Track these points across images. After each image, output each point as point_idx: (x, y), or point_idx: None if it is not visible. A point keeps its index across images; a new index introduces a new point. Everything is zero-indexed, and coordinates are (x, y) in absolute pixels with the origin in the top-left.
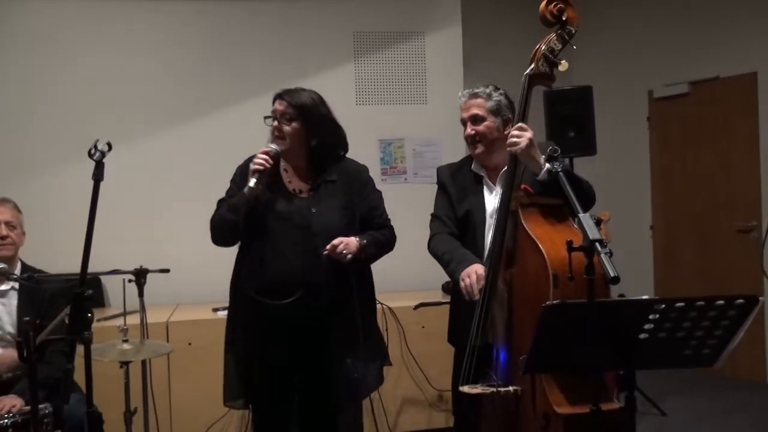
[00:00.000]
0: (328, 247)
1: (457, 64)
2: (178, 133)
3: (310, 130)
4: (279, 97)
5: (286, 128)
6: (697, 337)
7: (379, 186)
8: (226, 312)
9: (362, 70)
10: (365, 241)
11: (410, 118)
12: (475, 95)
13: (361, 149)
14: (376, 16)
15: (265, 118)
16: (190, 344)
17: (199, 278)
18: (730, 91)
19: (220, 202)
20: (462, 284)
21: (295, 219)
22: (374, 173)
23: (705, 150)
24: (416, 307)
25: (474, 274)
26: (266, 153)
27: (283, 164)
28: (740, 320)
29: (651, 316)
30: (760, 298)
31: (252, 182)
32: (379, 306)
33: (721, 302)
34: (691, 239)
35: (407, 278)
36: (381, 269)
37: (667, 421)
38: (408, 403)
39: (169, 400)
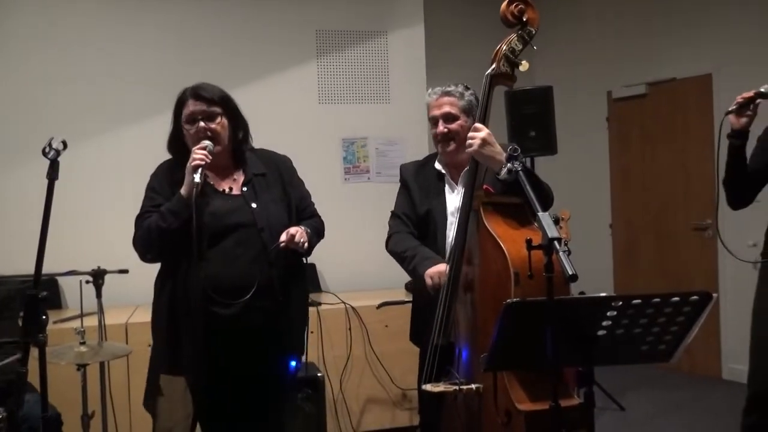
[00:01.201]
0: (284, 238)
1: (420, 64)
2: (138, 132)
3: (235, 124)
4: (194, 96)
5: (215, 126)
6: (653, 333)
7: (342, 185)
8: None
9: (325, 69)
10: (309, 230)
11: (373, 117)
12: (447, 93)
13: (324, 148)
14: (338, 14)
15: (184, 124)
16: (149, 346)
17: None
18: (686, 92)
19: (140, 218)
20: (430, 282)
21: (237, 218)
22: (337, 172)
23: (662, 149)
24: (379, 306)
25: (443, 274)
26: (203, 148)
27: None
28: (695, 316)
29: (608, 313)
30: (714, 294)
31: (196, 177)
32: (342, 305)
33: (676, 299)
34: (649, 237)
35: (370, 277)
36: (344, 267)
37: (625, 415)
38: (371, 403)
39: (129, 402)
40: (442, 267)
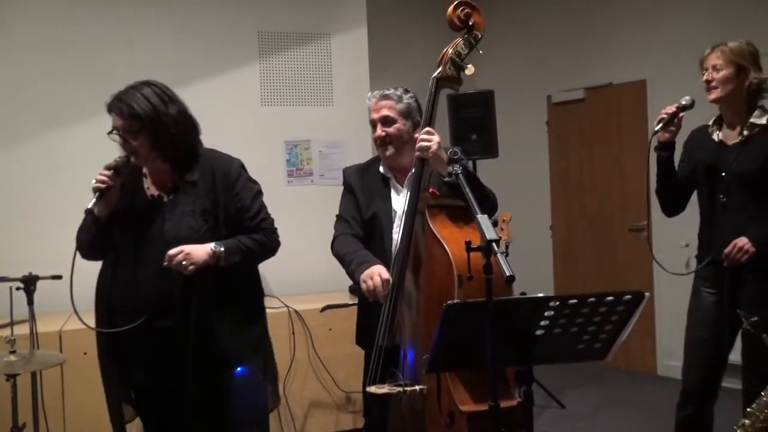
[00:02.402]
0: (165, 257)
1: (363, 66)
2: (71, 133)
3: (159, 138)
4: (111, 109)
5: (134, 143)
6: (589, 332)
7: (285, 188)
8: None
9: (267, 71)
10: (222, 248)
11: (316, 119)
12: (385, 96)
13: (267, 151)
14: (281, 16)
15: (109, 134)
16: (85, 354)
17: (95, 284)
18: (622, 97)
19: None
20: (364, 286)
21: (149, 229)
22: (280, 175)
23: (599, 152)
24: (323, 309)
25: (377, 276)
26: (109, 168)
27: (145, 168)
28: (629, 315)
29: (546, 313)
30: (646, 294)
31: (91, 203)
32: (284, 309)
33: (610, 298)
34: (588, 238)
35: (314, 280)
36: (287, 271)
37: (565, 413)
38: (315, 407)
39: (63, 413)
40: (376, 269)
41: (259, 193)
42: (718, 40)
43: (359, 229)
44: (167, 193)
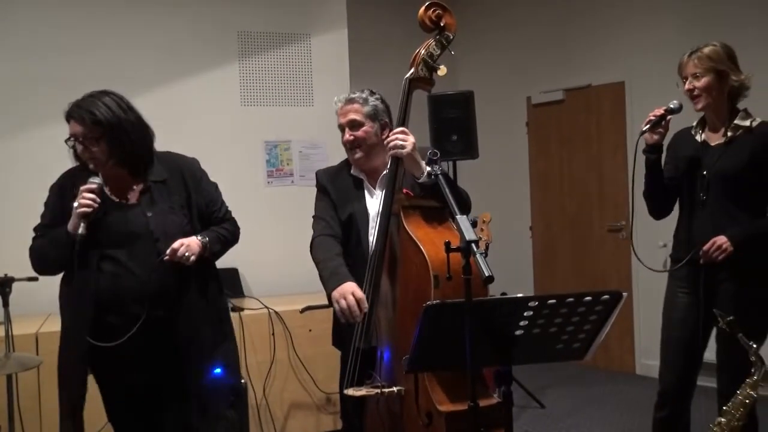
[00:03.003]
0: (168, 252)
1: (344, 67)
2: (48, 134)
3: (119, 145)
4: (72, 116)
5: (94, 150)
6: (568, 332)
7: (265, 188)
8: None
9: (247, 71)
10: (207, 239)
11: (297, 120)
12: (351, 100)
13: (247, 151)
14: (261, 16)
15: (66, 141)
16: None
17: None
18: (601, 99)
19: (36, 229)
20: (336, 306)
21: (131, 227)
22: (260, 175)
23: (578, 153)
24: (303, 310)
25: (350, 295)
26: (91, 191)
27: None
28: (607, 315)
29: (525, 314)
30: (624, 294)
31: (81, 228)
32: (264, 310)
33: (588, 298)
34: (567, 239)
35: (293, 281)
36: (267, 272)
37: (545, 413)
38: (295, 408)
39: (39, 416)
40: (348, 287)
41: (218, 187)
42: (696, 42)
43: (338, 228)
44: (135, 196)
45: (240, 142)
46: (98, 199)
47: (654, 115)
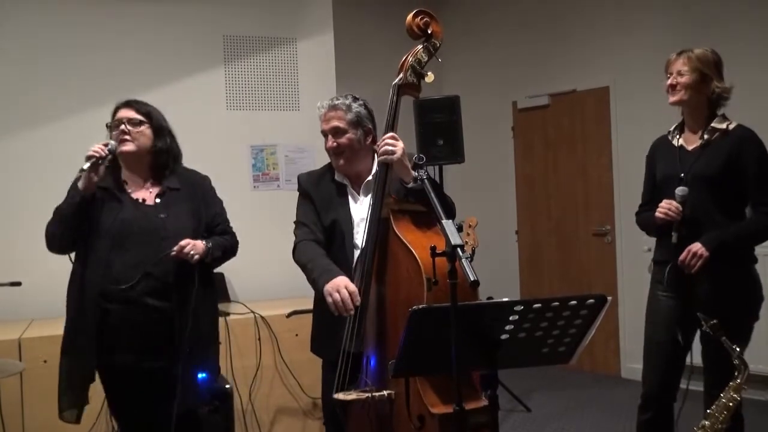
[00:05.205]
0: (175, 248)
1: (330, 71)
2: (32, 136)
3: (161, 137)
4: (126, 105)
5: (135, 131)
6: (553, 336)
7: (251, 192)
8: None
9: (233, 75)
10: (211, 244)
11: (282, 124)
12: (334, 107)
13: (232, 155)
14: (246, 20)
15: (109, 123)
16: (45, 362)
17: (55, 291)
18: (586, 103)
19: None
20: (329, 299)
21: (143, 224)
22: (246, 180)
23: (563, 158)
24: (289, 315)
25: (343, 288)
26: (105, 144)
27: (124, 175)
28: (592, 318)
29: (511, 318)
30: (609, 298)
31: (85, 165)
32: (250, 315)
33: (574, 302)
34: (553, 243)
35: (280, 286)
36: (254, 276)
37: (531, 416)
38: (281, 413)
39: (22, 422)
40: (341, 281)
41: (223, 205)
42: (679, 48)
43: (320, 234)
44: (152, 198)
45: (226, 146)
46: (106, 152)
47: (671, 215)
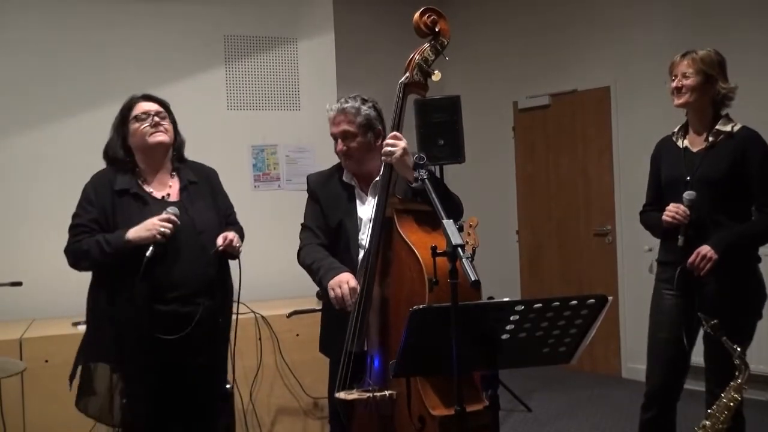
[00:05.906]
0: (222, 242)
1: (331, 71)
2: (34, 137)
3: (176, 128)
4: (146, 98)
5: (166, 124)
6: (554, 336)
7: (252, 192)
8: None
9: (234, 75)
10: (237, 236)
11: (283, 124)
12: (343, 111)
13: (233, 155)
14: (247, 20)
15: (133, 123)
16: (46, 362)
17: (56, 290)
18: (586, 103)
19: (75, 229)
20: (332, 293)
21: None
22: (247, 180)
23: (564, 158)
24: (290, 315)
25: (345, 284)
26: (169, 221)
27: (140, 172)
28: (592, 318)
29: (512, 318)
30: (609, 298)
31: (150, 250)
32: (252, 315)
33: (574, 302)
34: (553, 243)
35: (281, 286)
36: (253, 277)
37: (532, 416)
38: (282, 412)
39: (23, 421)
40: (345, 276)
41: (228, 196)
42: (680, 48)
43: (324, 238)
44: (175, 193)
45: (226, 146)
46: (173, 229)
47: (678, 218)
